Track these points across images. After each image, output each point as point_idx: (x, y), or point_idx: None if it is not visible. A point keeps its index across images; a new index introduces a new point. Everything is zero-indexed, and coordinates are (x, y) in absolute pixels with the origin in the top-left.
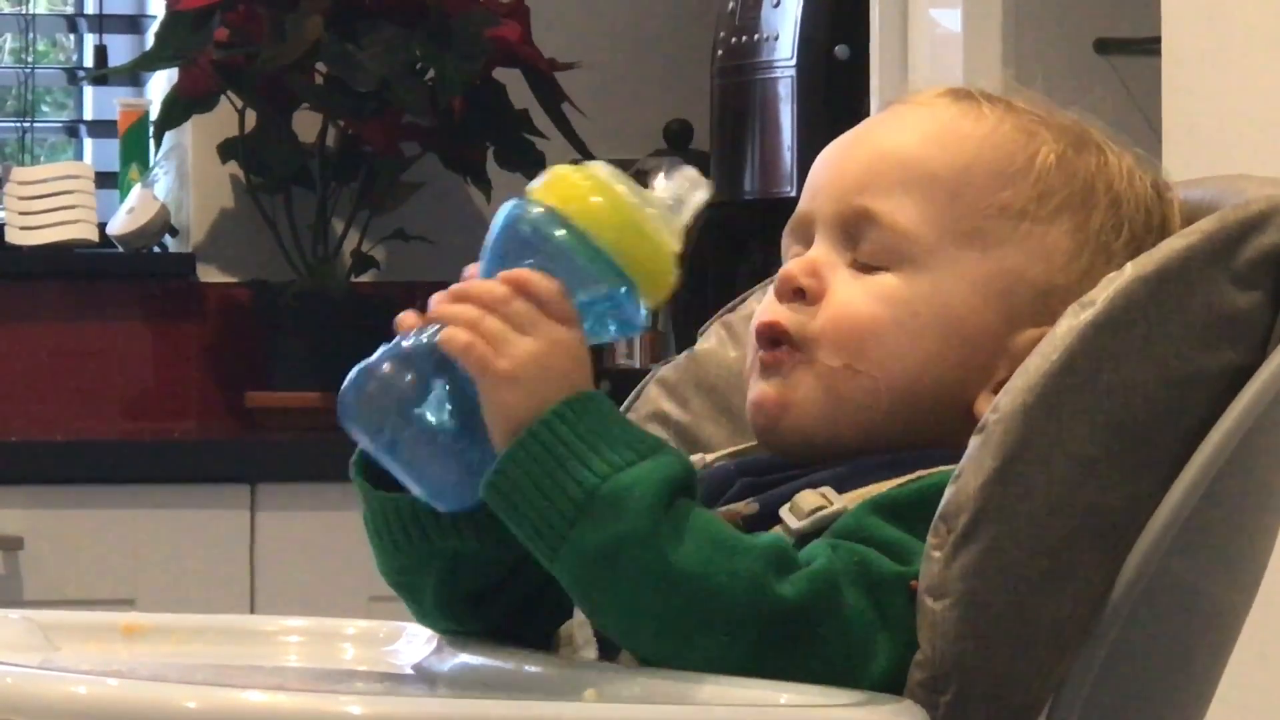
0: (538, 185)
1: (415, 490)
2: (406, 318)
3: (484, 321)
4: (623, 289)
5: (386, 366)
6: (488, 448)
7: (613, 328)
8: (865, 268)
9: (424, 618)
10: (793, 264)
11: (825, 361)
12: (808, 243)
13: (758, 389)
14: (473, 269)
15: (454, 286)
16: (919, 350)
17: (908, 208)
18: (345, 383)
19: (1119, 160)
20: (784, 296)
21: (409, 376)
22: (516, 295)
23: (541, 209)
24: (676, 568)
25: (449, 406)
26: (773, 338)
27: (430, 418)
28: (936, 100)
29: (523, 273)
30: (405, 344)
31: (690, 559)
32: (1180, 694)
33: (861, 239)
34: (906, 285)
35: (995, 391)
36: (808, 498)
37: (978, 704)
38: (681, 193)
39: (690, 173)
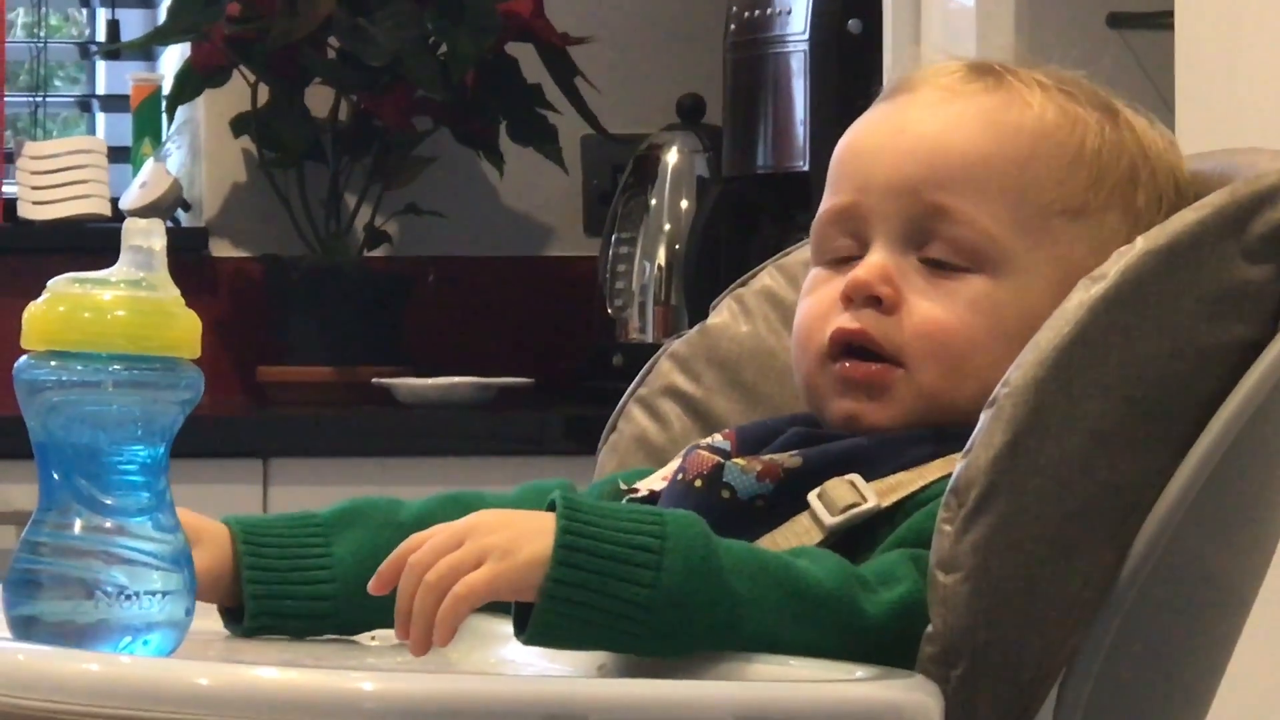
0: (26, 334)
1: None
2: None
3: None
4: (185, 375)
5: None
6: None
7: (185, 406)
8: (937, 269)
9: None
10: (864, 270)
11: (925, 377)
12: (857, 237)
13: (848, 406)
14: None
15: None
16: (1012, 357)
17: (983, 207)
18: None
19: (1138, 122)
20: (858, 304)
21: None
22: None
23: (55, 362)
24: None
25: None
26: (858, 347)
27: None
28: (964, 85)
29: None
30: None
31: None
32: (1191, 669)
33: (932, 237)
34: (992, 290)
35: None
36: (839, 489)
37: (989, 678)
38: (144, 244)
39: (140, 224)
